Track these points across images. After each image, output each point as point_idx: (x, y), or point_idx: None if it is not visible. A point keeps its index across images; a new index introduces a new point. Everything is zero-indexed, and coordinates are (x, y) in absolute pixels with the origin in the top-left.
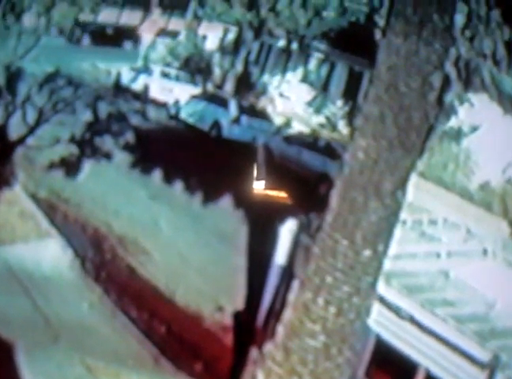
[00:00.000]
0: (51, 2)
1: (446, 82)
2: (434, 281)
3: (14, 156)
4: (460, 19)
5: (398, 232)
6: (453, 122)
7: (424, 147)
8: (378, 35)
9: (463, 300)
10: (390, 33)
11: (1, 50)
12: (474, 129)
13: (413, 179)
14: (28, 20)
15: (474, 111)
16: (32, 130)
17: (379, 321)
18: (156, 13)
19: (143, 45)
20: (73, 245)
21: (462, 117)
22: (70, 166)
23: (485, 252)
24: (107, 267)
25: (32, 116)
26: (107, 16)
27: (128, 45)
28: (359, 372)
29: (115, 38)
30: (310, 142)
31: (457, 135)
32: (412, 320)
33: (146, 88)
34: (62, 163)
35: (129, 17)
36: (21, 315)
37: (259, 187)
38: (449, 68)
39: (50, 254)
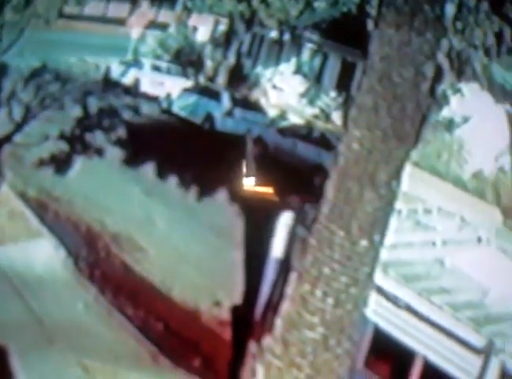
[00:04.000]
0: None
1: (439, 72)
2: (430, 269)
3: (1, 155)
4: (450, 9)
5: (394, 222)
6: (445, 112)
7: (418, 137)
8: (370, 25)
9: (458, 287)
10: (382, 23)
11: None
12: (466, 118)
13: (408, 169)
14: (10, 12)
15: (466, 101)
16: (18, 127)
17: (377, 311)
18: (145, 4)
19: (132, 38)
20: (65, 244)
21: (454, 107)
22: (60, 163)
23: (479, 240)
24: (101, 265)
25: (18, 113)
26: (94, 8)
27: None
28: (358, 362)
29: None
30: (304, 134)
31: (450, 125)
32: (409, 309)
33: (137, 82)
34: (51, 160)
35: (116, 9)
36: (14, 318)
37: (249, 183)
38: (442, 58)
39: (41, 254)
